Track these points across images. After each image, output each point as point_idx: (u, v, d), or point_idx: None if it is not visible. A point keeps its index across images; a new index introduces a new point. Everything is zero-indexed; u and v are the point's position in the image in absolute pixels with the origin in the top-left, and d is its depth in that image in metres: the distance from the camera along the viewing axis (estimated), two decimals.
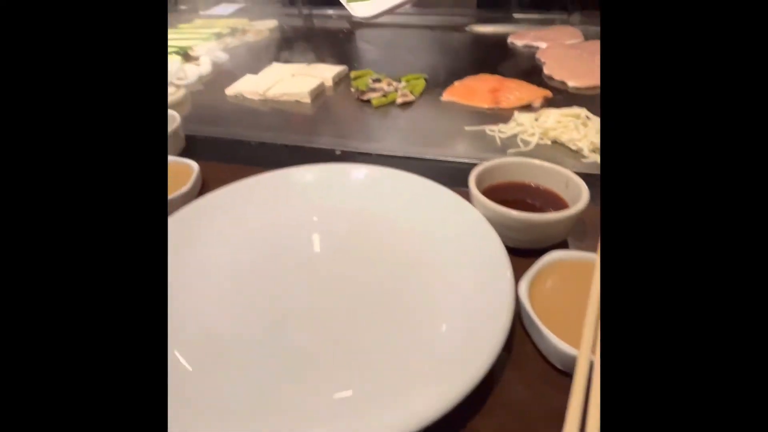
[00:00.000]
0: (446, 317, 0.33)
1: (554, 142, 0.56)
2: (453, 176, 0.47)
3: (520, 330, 0.34)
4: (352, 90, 0.74)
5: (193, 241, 0.40)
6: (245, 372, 0.31)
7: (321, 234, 0.43)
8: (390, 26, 1.08)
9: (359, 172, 0.46)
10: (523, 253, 0.38)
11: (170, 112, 0.58)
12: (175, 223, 0.40)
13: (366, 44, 1.01)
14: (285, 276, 0.38)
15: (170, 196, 0.45)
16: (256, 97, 0.74)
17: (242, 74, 0.80)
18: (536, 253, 0.37)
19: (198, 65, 0.85)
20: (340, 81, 0.80)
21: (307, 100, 0.72)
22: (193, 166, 0.50)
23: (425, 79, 0.75)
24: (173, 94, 0.74)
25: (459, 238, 0.38)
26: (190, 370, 0.30)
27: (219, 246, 0.41)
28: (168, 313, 0.33)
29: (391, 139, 0.61)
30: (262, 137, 0.61)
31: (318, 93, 0.75)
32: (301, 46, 0.97)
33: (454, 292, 0.35)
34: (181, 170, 0.50)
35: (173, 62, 0.84)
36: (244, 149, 0.60)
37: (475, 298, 0.33)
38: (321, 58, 0.88)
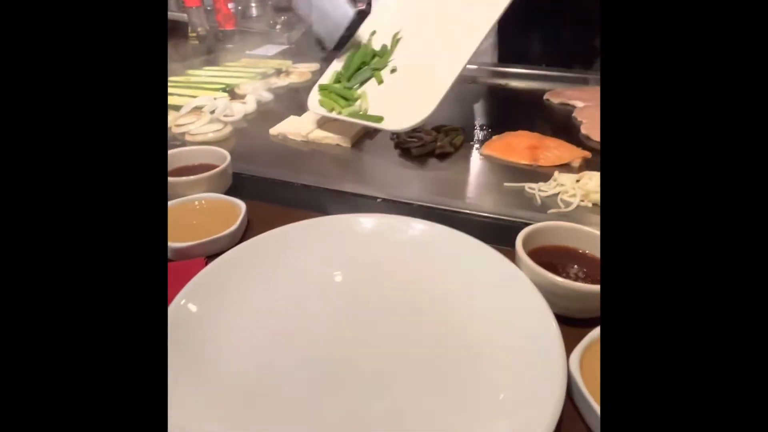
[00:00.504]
0: (493, 389, 0.32)
1: (595, 204, 0.56)
2: (492, 232, 0.47)
3: (569, 406, 0.32)
4: (391, 137, 0.75)
5: (240, 285, 0.40)
6: (276, 423, 0.30)
7: (368, 287, 0.42)
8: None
9: (407, 225, 0.46)
10: (569, 322, 0.38)
11: (221, 150, 0.60)
12: (224, 264, 0.40)
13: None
14: (329, 330, 0.38)
15: (218, 234, 0.46)
16: (298, 138, 0.75)
17: (285, 114, 0.83)
18: (583, 322, 0.37)
19: (244, 103, 0.88)
20: None
21: (348, 144, 0.73)
22: (241, 206, 0.51)
23: (462, 132, 0.77)
24: (220, 130, 0.77)
25: (508, 303, 0.38)
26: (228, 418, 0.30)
27: (265, 292, 0.40)
28: (209, 355, 0.33)
29: (429, 189, 0.61)
30: (304, 179, 0.62)
31: (358, 138, 0.76)
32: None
33: (503, 362, 0.34)
34: (229, 209, 0.51)
35: (222, 99, 0.87)
36: (287, 190, 0.61)
37: (524, 371, 0.32)
38: None
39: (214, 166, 0.57)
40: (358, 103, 0.70)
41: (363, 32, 0.78)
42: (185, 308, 0.36)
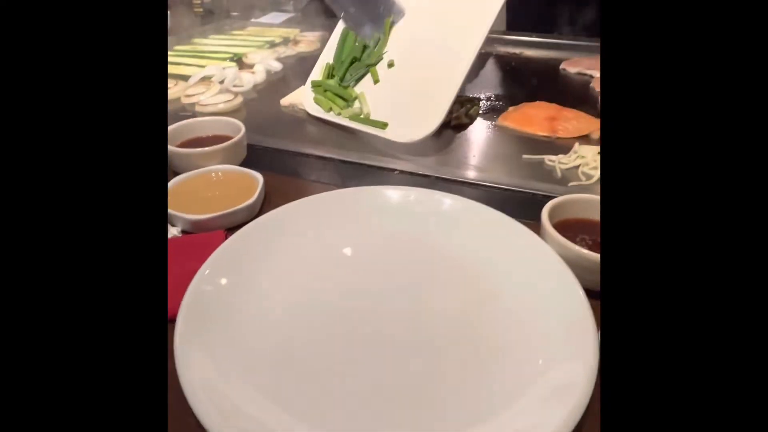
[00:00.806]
0: (521, 362, 0.32)
1: None
2: (512, 205, 0.47)
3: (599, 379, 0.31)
4: None
5: (265, 257, 0.39)
6: (312, 395, 0.30)
7: (394, 259, 0.42)
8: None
9: (431, 198, 0.45)
10: (596, 296, 0.36)
11: (235, 121, 0.59)
12: (244, 237, 0.40)
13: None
14: (356, 301, 0.37)
15: (237, 207, 0.45)
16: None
17: (295, 85, 0.81)
18: None
19: (253, 73, 0.86)
20: None
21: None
22: (258, 178, 0.50)
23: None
24: (231, 101, 0.75)
25: (536, 276, 0.37)
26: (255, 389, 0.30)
27: (291, 264, 0.40)
28: (237, 324, 0.34)
29: (445, 161, 0.60)
30: (318, 150, 0.61)
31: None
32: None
33: (531, 336, 0.33)
34: (246, 180, 0.50)
35: (231, 69, 0.85)
36: (301, 162, 0.60)
37: (557, 342, 0.32)
38: None
39: (229, 138, 0.56)
40: (357, 104, 0.65)
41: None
42: (210, 279, 0.36)
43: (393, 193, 0.46)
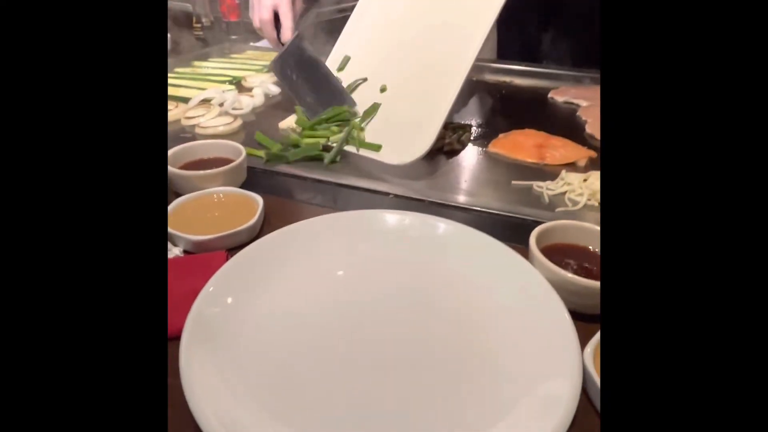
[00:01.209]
0: (509, 380, 0.33)
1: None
2: (501, 230, 0.49)
3: (584, 400, 0.33)
4: None
5: (266, 277, 0.40)
6: (312, 411, 0.31)
7: (388, 281, 0.43)
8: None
9: (425, 222, 0.47)
10: (579, 318, 0.38)
11: (236, 144, 0.61)
12: (247, 258, 0.41)
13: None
14: (352, 322, 0.38)
15: (238, 228, 0.46)
16: None
17: (293, 108, 0.81)
18: (592, 318, 0.38)
19: (252, 96, 0.88)
20: None
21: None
22: (258, 200, 0.51)
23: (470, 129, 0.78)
24: (231, 123, 0.77)
25: (522, 300, 0.39)
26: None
27: (291, 284, 0.41)
28: (239, 342, 0.34)
29: (437, 186, 0.61)
30: (315, 174, 0.62)
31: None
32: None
33: (518, 355, 0.35)
34: (246, 203, 0.52)
35: (230, 92, 0.88)
36: (299, 184, 0.61)
37: (541, 363, 0.33)
38: None
39: (230, 160, 0.58)
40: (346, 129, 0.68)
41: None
42: (214, 297, 0.37)
43: (389, 217, 0.48)
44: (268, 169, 0.65)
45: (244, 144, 0.60)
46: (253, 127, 0.79)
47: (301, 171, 0.64)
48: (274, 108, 0.88)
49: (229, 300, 0.38)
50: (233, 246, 0.47)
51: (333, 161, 0.65)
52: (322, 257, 0.44)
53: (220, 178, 0.55)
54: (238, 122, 0.77)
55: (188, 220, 0.49)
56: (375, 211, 0.49)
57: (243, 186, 0.57)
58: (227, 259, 0.43)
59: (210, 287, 0.37)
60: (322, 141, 0.67)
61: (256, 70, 1.04)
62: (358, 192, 0.60)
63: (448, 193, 0.60)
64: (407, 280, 0.44)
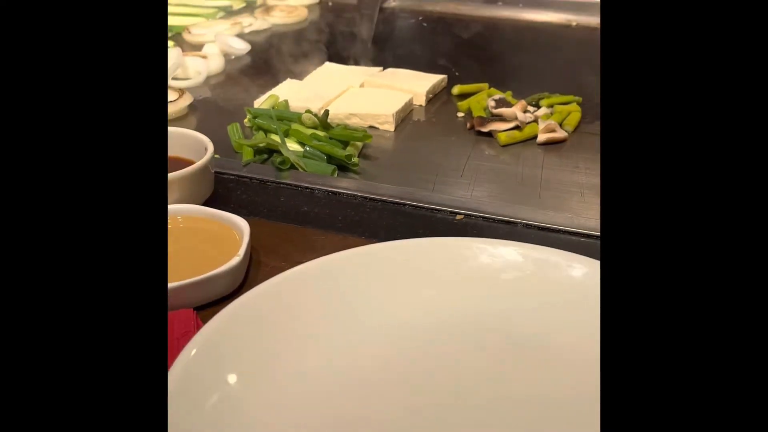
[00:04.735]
0: None
1: None
2: None
3: None
4: (459, 115, 0.70)
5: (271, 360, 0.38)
6: None
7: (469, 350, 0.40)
8: (508, 20, 1.09)
9: (546, 262, 0.43)
10: None
11: (195, 135, 0.54)
12: (236, 327, 0.38)
13: (471, 39, 0.99)
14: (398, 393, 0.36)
15: (212, 272, 0.42)
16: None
17: (274, 78, 0.76)
18: None
19: (204, 58, 0.79)
20: (436, 98, 0.76)
21: (390, 127, 0.67)
22: (241, 226, 0.45)
23: (579, 105, 0.70)
24: (174, 101, 0.67)
25: None
26: None
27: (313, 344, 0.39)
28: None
29: (532, 199, 0.57)
30: (323, 182, 0.57)
31: (404, 116, 0.69)
32: (363, 37, 0.94)
33: None
34: (221, 231, 0.47)
35: (170, 52, 0.77)
36: (298, 199, 0.55)
37: None
38: (400, 59, 0.84)
39: (186, 161, 0.51)
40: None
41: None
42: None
43: (480, 251, 0.43)
44: (252, 176, 0.57)
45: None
46: (209, 108, 0.71)
47: (296, 177, 0.58)
48: (242, 75, 0.81)
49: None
50: (204, 302, 0.42)
51: (354, 165, 0.60)
52: (359, 318, 0.41)
53: (173, 191, 0.48)
54: (185, 101, 0.68)
55: None
56: (445, 239, 0.45)
57: (210, 203, 0.51)
58: (197, 323, 0.39)
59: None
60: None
61: (207, 15, 0.96)
62: (400, 210, 0.55)
63: (554, 211, 0.54)
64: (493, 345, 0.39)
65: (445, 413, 0.38)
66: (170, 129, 0.57)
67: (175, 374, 0.34)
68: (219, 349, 0.37)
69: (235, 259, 0.44)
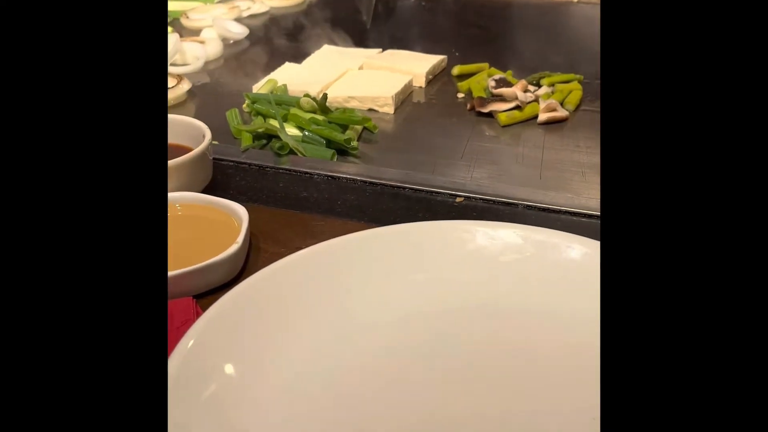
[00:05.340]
0: None
1: None
2: None
3: None
4: (459, 96, 0.70)
5: (271, 349, 0.38)
6: None
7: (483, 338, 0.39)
8: None
9: (544, 243, 0.43)
10: None
11: (193, 122, 0.54)
12: (237, 315, 0.38)
13: (471, 19, 0.98)
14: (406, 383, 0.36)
15: (213, 259, 0.42)
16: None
17: (272, 62, 0.75)
18: None
19: (201, 43, 0.79)
20: (436, 79, 0.75)
21: (389, 109, 0.67)
22: (240, 213, 0.45)
23: (580, 83, 0.69)
24: (172, 88, 0.68)
25: None
26: None
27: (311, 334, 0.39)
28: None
29: (533, 179, 0.57)
30: (323, 166, 0.57)
31: (404, 98, 0.69)
32: (362, 18, 0.94)
33: None
34: (220, 218, 0.46)
35: (168, 37, 0.80)
36: (298, 184, 0.56)
37: None
38: (399, 40, 0.84)
39: (184, 149, 0.51)
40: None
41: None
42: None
43: (479, 233, 0.43)
44: (251, 162, 0.58)
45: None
46: (207, 94, 0.72)
47: (296, 162, 0.58)
48: (240, 60, 0.81)
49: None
50: (203, 290, 0.42)
51: (354, 149, 0.60)
52: (361, 303, 0.41)
53: (172, 178, 0.49)
54: (184, 87, 0.69)
55: None
56: (448, 222, 0.44)
57: (209, 190, 0.51)
58: (196, 310, 0.39)
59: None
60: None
61: (205, 0, 0.96)
62: (401, 194, 0.55)
63: (554, 191, 0.54)
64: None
65: (443, 393, 0.38)
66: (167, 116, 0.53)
67: (174, 364, 0.34)
68: (218, 338, 0.37)
69: (234, 247, 0.44)
